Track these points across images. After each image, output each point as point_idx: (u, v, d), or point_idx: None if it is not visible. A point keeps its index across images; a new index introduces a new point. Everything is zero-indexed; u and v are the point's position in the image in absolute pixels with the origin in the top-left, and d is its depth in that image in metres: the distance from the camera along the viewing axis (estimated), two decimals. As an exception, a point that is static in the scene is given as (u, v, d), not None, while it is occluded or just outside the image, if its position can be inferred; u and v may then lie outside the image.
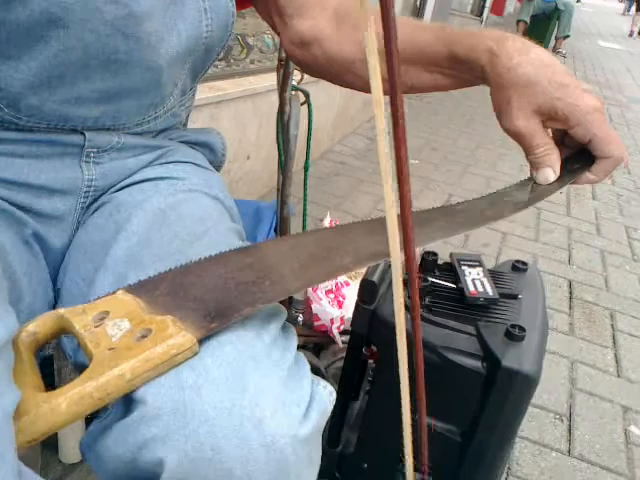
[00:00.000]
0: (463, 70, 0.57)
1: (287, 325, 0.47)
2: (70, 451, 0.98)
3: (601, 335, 1.72)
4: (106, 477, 0.41)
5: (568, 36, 7.87)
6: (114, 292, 0.44)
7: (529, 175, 0.58)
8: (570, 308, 1.84)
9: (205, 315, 0.42)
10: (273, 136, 1.04)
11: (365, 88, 0.65)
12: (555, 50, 7.99)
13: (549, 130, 0.56)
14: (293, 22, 0.66)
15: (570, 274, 2.06)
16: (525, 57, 0.52)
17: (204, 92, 1.54)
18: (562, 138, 0.56)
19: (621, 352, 1.65)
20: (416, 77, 0.61)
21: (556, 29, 7.88)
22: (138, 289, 0.45)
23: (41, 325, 0.43)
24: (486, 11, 7.97)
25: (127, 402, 0.40)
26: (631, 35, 12.20)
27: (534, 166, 0.55)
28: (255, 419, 0.37)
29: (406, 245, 0.38)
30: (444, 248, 1.97)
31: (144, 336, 0.40)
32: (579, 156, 0.56)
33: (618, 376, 1.54)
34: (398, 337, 0.43)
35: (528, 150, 0.54)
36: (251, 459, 0.37)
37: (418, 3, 4.05)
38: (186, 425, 0.36)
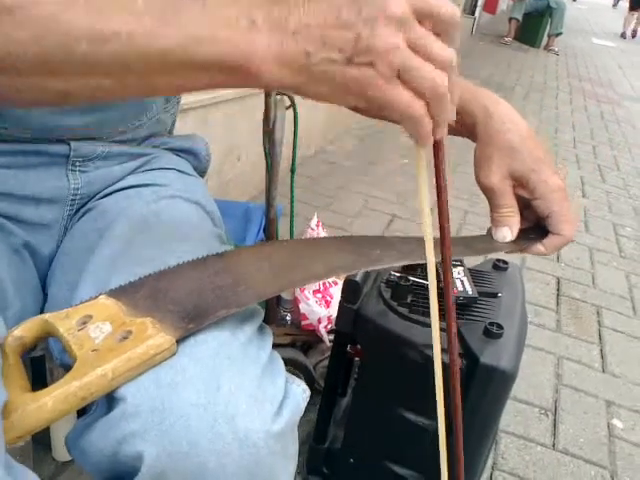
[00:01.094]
0: (457, 119, 0.60)
1: (263, 325, 0.49)
2: (63, 449, 1.00)
3: (587, 331, 1.75)
4: (90, 470, 0.43)
5: (561, 33, 7.91)
6: (97, 297, 0.46)
7: (487, 229, 0.62)
8: (557, 305, 1.87)
9: (183, 317, 0.44)
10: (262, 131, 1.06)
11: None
12: (547, 48, 8.03)
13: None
14: None
15: (558, 271, 2.08)
16: (514, 125, 0.56)
17: (194, 94, 1.56)
18: (526, 208, 0.60)
19: (606, 348, 1.68)
20: None
21: (548, 27, 7.92)
22: (119, 293, 0.47)
23: (27, 330, 0.45)
24: (478, 9, 8.01)
25: (109, 400, 0.42)
26: (624, 37, 11.85)
27: (495, 223, 0.59)
28: (229, 415, 0.39)
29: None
30: (433, 247, 1.99)
31: (125, 337, 0.42)
32: (535, 229, 0.61)
33: (603, 371, 1.57)
34: (435, 357, 0.48)
35: (494, 207, 0.58)
36: (225, 453, 0.39)
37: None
38: (163, 421, 0.39)
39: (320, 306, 1.18)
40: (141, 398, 0.39)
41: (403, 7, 0.34)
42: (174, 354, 0.41)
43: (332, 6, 0.35)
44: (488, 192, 0.58)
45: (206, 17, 0.35)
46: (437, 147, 0.43)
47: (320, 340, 1.20)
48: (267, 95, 1.01)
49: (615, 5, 22.40)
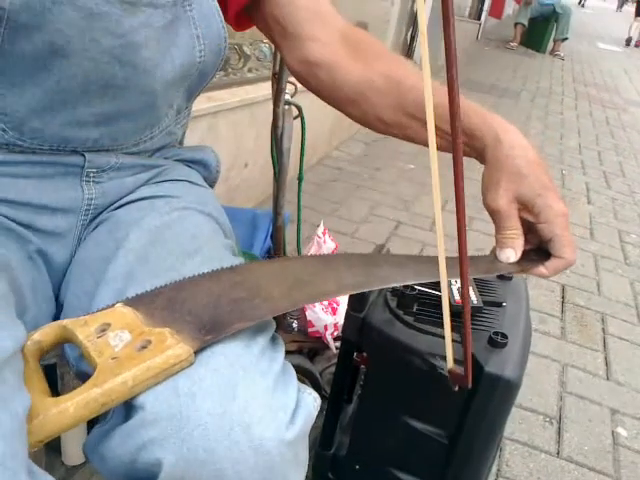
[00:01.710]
0: (464, 142, 0.61)
1: (275, 336, 0.51)
2: (73, 454, 1.02)
3: (592, 339, 1.75)
4: (109, 476, 0.45)
5: (566, 39, 7.92)
6: (114, 305, 0.48)
7: (491, 249, 0.64)
8: (562, 312, 1.87)
9: (200, 328, 0.46)
10: (270, 145, 1.08)
11: (367, 123, 0.68)
12: (553, 53, 8.04)
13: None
14: (297, 42, 0.66)
15: (563, 278, 2.09)
16: (523, 151, 0.58)
17: (202, 102, 1.58)
18: (529, 231, 0.62)
19: (611, 355, 1.68)
20: (415, 131, 0.64)
21: (554, 32, 7.93)
22: (136, 302, 0.49)
23: (45, 334, 0.46)
24: (484, 14, 8.03)
25: (127, 408, 0.43)
26: (629, 43, 11.59)
27: (500, 245, 0.61)
28: (244, 424, 0.41)
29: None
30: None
31: (144, 347, 0.43)
32: (538, 252, 0.63)
33: (607, 379, 1.57)
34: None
35: (500, 229, 0.60)
36: (241, 460, 0.40)
37: (415, 9, 4.08)
38: (181, 429, 0.40)
39: (326, 313, 1.20)
40: (160, 406, 0.41)
41: None
42: (192, 364, 0.43)
43: None
44: (494, 214, 0.60)
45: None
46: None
47: (326, 347, 1.22)
48: (275, 105, 1.03)
49: (619, 9, 22.34)
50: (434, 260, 0.63)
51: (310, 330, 1.19)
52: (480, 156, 0.60)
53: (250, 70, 2.06)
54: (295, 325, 1.23)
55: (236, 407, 0.41)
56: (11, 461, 0.33)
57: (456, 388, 0.58)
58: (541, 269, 0.61)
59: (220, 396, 0.41)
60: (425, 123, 0.63)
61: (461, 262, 0.48)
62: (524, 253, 0.62)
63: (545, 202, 0.57)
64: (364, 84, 0.65)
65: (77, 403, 0.40)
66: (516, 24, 8.03)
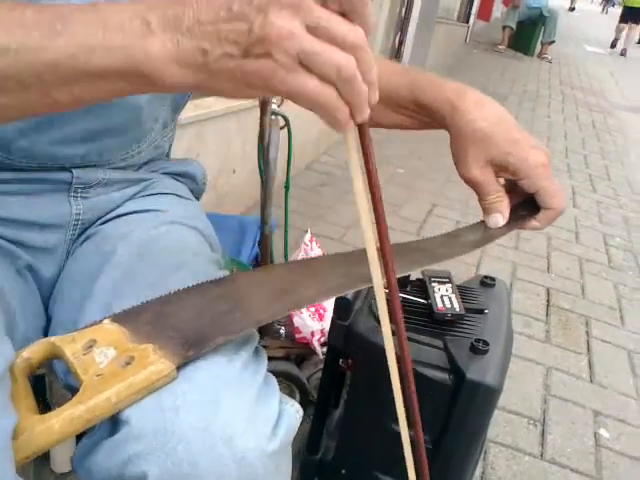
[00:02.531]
0: (425, 115, 0.63)
1: (258, 348, 0.52)
2: (62, 461, 1.03)
3: (576, 342, 1.78)
4: (96, 490, 0.46)
5: (553, 41, 8.00)
6: (101, 321, 0.49)
7: (481, 219, 0.64)
8: (547, 316, 1.90)
9: (183, 343, 0.47)
10: (257, 154, 1.09)
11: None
12: (541, 56, 8.11)
13: (502, 179, 0.62)
14: None
15: (548, 282, 2.12)
16: (481, 112, 0.57)
17: (190, 111, 1.59)
18: (513, 187, 0.61)
19: (594, 358, 1.71)
20: (383, 116, 0.66)
21: (542, 35, 8.01)
22: (122, 318, 0.50)
23: (34, 352, 0.48)
24: (472, 17, 8.08)
25: (113, 422, 0.44)
26: (614, 46, 11.41)
27: (485, 211, 0.61)
28: (227, 437, 0.42)
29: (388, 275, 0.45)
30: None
31: (128, 363, 0.45)
32: (526, 204, 0.62)
33: (591, 381, 1.60)
34: (389, 361, 0.49)
35: (481, 196, 0.60)
36: (224, 473, 0.42)
37: (403, 13, 4.12)
38: (166, 443, 0.41)
39: (313, 320, 1.21)
40: (144, 421, 0.42)
41: None
42: (174, 379, 0.44)
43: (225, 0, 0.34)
44: (471, 184, 0.59)
45: (98, 24, 0.35)
46: (361, 132, 0.41)
47: (313, 353, 1.23)
48: (262, 114, 1.05)
49: (604, 11, 22.52)
50: (415, 252, 0.64)
51: (297, 336, 1.21)
52: (442, 127, 0.60)
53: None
54: (283, 331, 1.24)
55: (219, 421, 0.43)
56: (4, 474, 0.34)
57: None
58: (533, 223, 0.60)
59: (203, 410, 0.43)
60: (392, 105, 0.64)
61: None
62: (513, 211, 0.61)
63: (518, 157, 0.56)
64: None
65: (62, 420, 0.41)
66: (504, 27, 8.10)
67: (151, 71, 0.35)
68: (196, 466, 0.41)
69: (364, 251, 0.63)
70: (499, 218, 0.60)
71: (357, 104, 0.36)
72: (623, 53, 11.03)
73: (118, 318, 0.50)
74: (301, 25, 0.33)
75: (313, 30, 0.33)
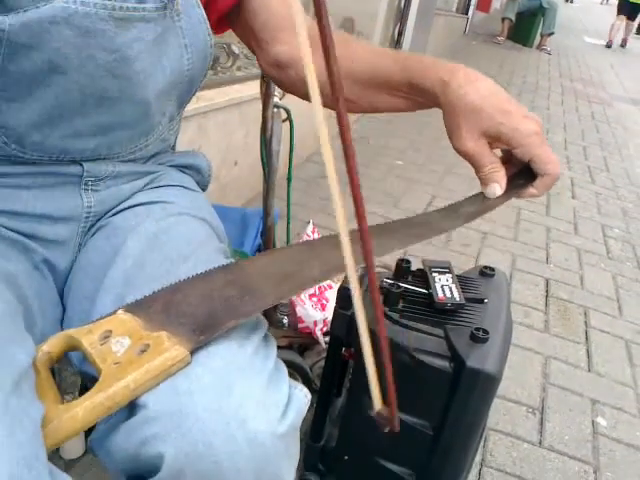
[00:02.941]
0: (419, 95, 0.64)
1: (268, 335, 0.54)
2: (71, 447, 1.05)
3: (574, 332, 1.80)
4: (114, 469, 0.48)
5: (553, 33, 7.98)
6: (115, 312, 0.51)
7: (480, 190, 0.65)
8: (546, 306, 1.92)
9: (194, 329, 0.49)
10: (259, 142, 1.10)
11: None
12: (540, 47, 8.10)
13: (498, 151, 0.64)
14: (269, 47, 0.72)
15: (547, 272, 2.14)
16: (472, 86, 0.59)
17: (192, 103, 1.58)
18: (509, 157, 0.63)
19: (592, 348, 1.73)
20: (377, 99, 0.68)
21: (541, 26, 7.99)
22: (135, 308, 0.51)
23: (53, 345, 0.49)
24: (472, 8, 8.06)
25: (130, 405, 0.46)
26: (609, 46, 10.63)
27: (483, 182, 0.62)
28: (240, 419, 0.44)
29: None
30: (425, 248, 2.04)
31: (143, 351, 0.46)
32: (523, 173, 0.64)
33: (589, 370, 1.63)
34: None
35: (477, 168, 0.62)
36: (237, 452, 0.44)
37: (402, 4, 4.11)
38: (181, 425, 0.43)
39: (316, 309, 1.23)
40: (161, 404, 0.44)
41: None
42: (188, 364, 0.46)
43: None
44: (466, 157, 0.61)
45: None
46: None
47: (316, 342, 1.25)
48: (265, 107, 1.06)
49: (604, 3, 22.33)
50: (417, 227, 0.65)
51: (300, 326, 1.23)
52: (435, 104, 0.62)
53: (239, 69, 2.08)
54: (286, 321, 1.26)
55: (232, 403, 0.44)
56: (36, 462, 0.36)
57: (386, 430, 0.55)
58: (531, 190, 0.62)
59: (217, 394, 0.45)
60: (385, 88, 0.67)
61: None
62: (510, 181, 0.62)
63: (510, 127, 0.58)
64: (323, 74, 0.69)
65: (85, 408, 0.43)
66: (503, 19, 8.08)
67: None
68: (210, 446, 0.43)
69: (370, 227, 0.62)
70: (496, 188, 0.61)
71: None
72: (623, 44, 10.87)
73: (131, 308, 0.52)
74: None
75: None
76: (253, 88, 1.95)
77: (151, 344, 0.47)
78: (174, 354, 0.46)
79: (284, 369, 0.52)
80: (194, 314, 0.50)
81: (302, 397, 0.51)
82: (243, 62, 2.12)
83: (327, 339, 1.24)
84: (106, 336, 0.48)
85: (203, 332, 0.48)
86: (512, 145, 0.59)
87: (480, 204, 0.63)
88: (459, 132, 0.60)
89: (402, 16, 4.16)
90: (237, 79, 2.00)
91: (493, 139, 0.60)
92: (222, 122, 1.80)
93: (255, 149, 1.08)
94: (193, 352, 0.47)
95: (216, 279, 0.54)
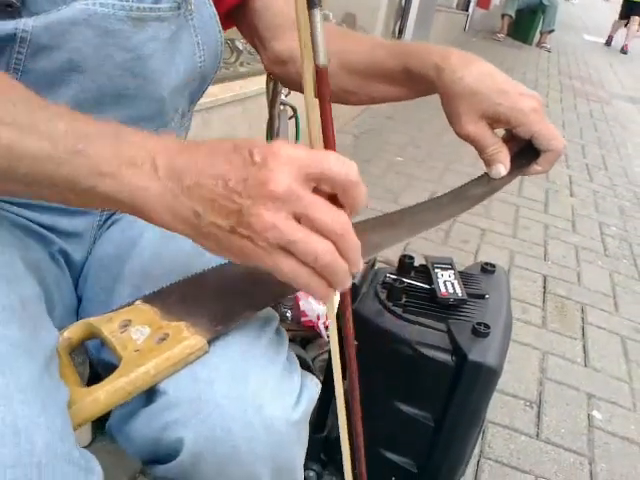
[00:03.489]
0: (415, 82, 0.66)
1: (280, 328, 0.56)
2: (80, 435, 1.07)
3: (571, 328, 1.83)
4: (133, 453, 0.50)
5: (553, 30, 7.99)
6: (133, 302, 0.53)
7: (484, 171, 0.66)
8: (544, 302, 1.95)
9: (211, 320, 0.51)
10: (262, 137, 1.12)
11: (338, 99, 0.73)
12: (540, 44, 8.10)
13: (500, 132, 0.64)
14: (271, 44, 0.75)
15: (545, 269, 2.17)
16: (467, 70, 0.60)
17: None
18: (511, 136, 0.64)
19: (589, 343, 1.76)
20: (376, 89, 0.70)
21: (541, 23, 7.99)
22: (153, 299, 0.54)
23: (74, 332, 0.51)
24: (472, 5, 8.06)
25: (149, 393, 0.48)
26: (608, 44, 10.16)
27: (487, 163, 0.63)
28: (257, 406, 0.46)
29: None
30: (425, 244, 2.07)
31: (163, 339, 0.49)
32: (526, 150, 0.64)
33: (585, 366, 1.65)
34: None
35: (480, 150, 0.63)
36: (254, 438, 0.46)
37: (403, 1, 4.12)
38: (201, 411, 0.45)
39: (319, 303, 1.25)
40: (181, 391, 0.46)
41: (285, 184, 0.35)
42: (206, 353, 0.48)
43: (225, 169, 0.36)
44: (469, 140, 0.62)
45: (114, 153, 0.39)
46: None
47: (318, 335, 1.27)
48: (272, 106, 1.08)
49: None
50: (424, 214, 0.66)
51: (303, 319, 1.25)
52: (433, 91, 0.63)
53: (242, 64, 2.09)
54: (289, 315, 1.28)
55: (249, 391, 0.47)
56: (68, 436, 0.38)
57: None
58: (536, 167, 0.63)
59: (234, 381, 0.47)
60: (383, 77, 0.68)
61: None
62: (514, 160, 0.63)
63: (508, 107, 0.59)
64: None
65: (107, 392, 0.45)
66: (503, 15, 8.07)
67: (145, 210, 0.39)
68: (229, 431, 0.45)
69: (374, 219, 0.63)
70: (501, 168, 0.62)
71: (335, 282, 0.39)
72: (624, 51, 10.01)
73: (149, 299, 0.54)
74: (286, 216, 0.36)
75: (298, 217, 0.36)
76: (256, 84, 1.97)
77: (170, 333, 0.49)
78: (193, 343, 0.48)
79: (296, 359, 0.54)
80: (211, 305, 0.52)
81: (313, 386, 0.53)
82: (246, 58, 2.13)
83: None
84: (125, 325, 0.50)
85: (220, 323, 0.50)
86: (512, 124, 0.60)
87: (486, 185, 0.64)
88: (458, 117, 0.61)
89: (403, 12, 4.17)
90: (240, 74, 2.01)
91: (493, 120, 0.61)
92: (226, 117, 1.82)
93: (259, 144, 1.10)
94: (210, 342, 0.49)
95: (231, 272, 0.56)
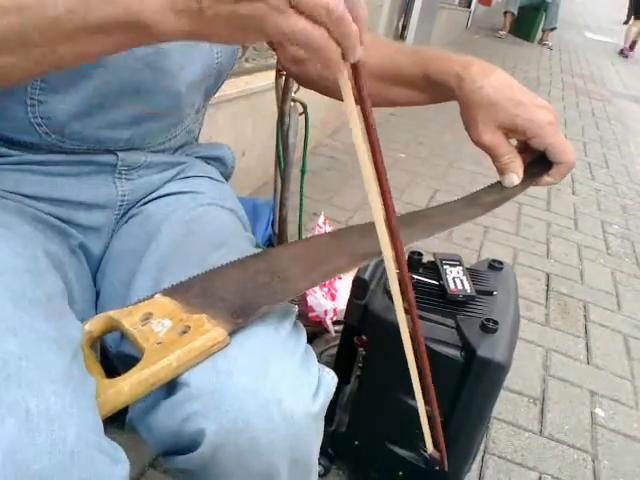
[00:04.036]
0: (435, 89, 0.67)
1: (297, 322, 0.57)
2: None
3: (574, 325, 1.84)
4: (154, 444, 0.50)
5: (555, 28, 7.98)
6: (153, 295, 0.54)
7: (498, 179, 0.67)
8: (547, 300, 1.96)
9: (232, 313, 0.51)
10: (267, 132, 1.13)
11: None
12: (542, 42, 8.09)
13: (513, 141, 0.66)
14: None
15: (548, 267, 2.17)
16: (487, 80, 0.61)
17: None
18: (525, 146, 0.65)
19: (591, 341, 1.77)
20: (394, 93, 0.71)
21: (543, 21, 7.98)
22: (173, 292, 0.54)
23: (95, 325, 0.52)
24: (474, 2, 8.04)
25: (170, 384, 0.49)
26: (623, 53, 9.26)
27: (500, 172, 0.65)
28: (277, 398, 0.47)
29: (395, 245, 0.49)
30: (428, 242, 2.07)
31: (184, 332, 0.49)
32: (539, 161, 0.66)
33: (588, 363, 1.66)
34: (402, 331, 0.53)
35: (495, 159, 0.64)
36: (274, 430, 0.47)
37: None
38: (222, 402, 0.46)
39: (326, 299, 1.26)
40: (202, 383, 0.47)
41: None
42: (228, 345, 0.49)
43: None
44: (485, 148, 0.63)
45: None
46: (355, 72, 0.41)
47: (325, 330, 1.28)
48: (283, 102, 1.08)
49: None
50: (439, 216, 0.67)
51: (311, 315, 1.26)
52: (452, 99, 0.64)
53: (248, 60, 2.09)
54: (297, 310, 1.29)
55: (269, 383, 0.47)
56: (97, 427, 0.39)
57: (436, 468, 0.60)
58: (547, 179, 0.64)
59: (254, 374, 0.47)
60: (403, 83, 0.69)
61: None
62: (526, 170, 0.64)
63: (525, 119, 0.60)
64: None
65: (130, 383, 0.45)
66: (505, 12, 8.06)
67: (148, 20, 0.37)
68: (248, 423, 0.46)
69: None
70: (514, 177, 0.64)
71: (348, 45, 0.37)
72: (625, 54, 9.38)
73: (169, 292, 0.54)
74: None
75: None
76: (262, 79, 1.97)
77: (192, 326, 0.49)
78: (214, 335, 0.49)
79: (313, 353, 0.55)
80: (230, 299, 0.53)
81: (330, 379, 0.54)
82: (252, 54, 2.13)
83: (337, 328, 1.27)
84: (147, 318, 0.51)
85: (240, 316, 0.51)
86: (528, 135, 0.62)
87: (499, 193, 0.66)
88: (476, 125, 0.62)
89: (407, 8, 4.16)
90: (246, 70, 2.01)
91: (509, 130, 0.62)
92: (231, 113, 1.82)
93: (262, 140, 1.11)
94: (231, 334, 0.49)
95: (249, 266, 0.57)
